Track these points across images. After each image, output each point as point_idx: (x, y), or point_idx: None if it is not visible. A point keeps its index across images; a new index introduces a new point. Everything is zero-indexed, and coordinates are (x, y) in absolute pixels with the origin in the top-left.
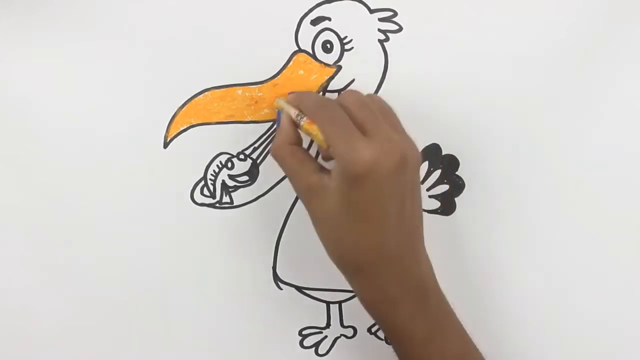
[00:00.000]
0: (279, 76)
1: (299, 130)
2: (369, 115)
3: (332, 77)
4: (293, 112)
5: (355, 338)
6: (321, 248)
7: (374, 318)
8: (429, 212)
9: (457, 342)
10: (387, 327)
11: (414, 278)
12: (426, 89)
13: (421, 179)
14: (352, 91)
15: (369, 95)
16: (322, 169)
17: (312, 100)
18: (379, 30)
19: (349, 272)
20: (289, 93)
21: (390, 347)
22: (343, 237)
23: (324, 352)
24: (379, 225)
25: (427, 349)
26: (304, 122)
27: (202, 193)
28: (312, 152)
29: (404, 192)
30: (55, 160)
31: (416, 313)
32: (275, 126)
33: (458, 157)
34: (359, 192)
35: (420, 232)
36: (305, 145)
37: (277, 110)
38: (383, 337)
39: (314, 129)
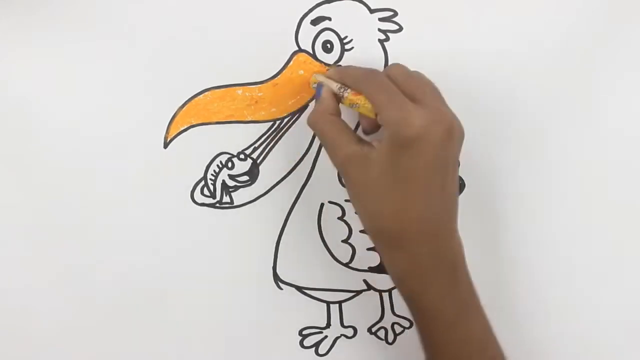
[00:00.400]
0: (279, 76)
1: (341, 105)
2: (418, 86)
3: None
4: (335, 86)
5: (355, 338)
6: (321, 248)
7: (402, 295)
8: None
9: (480, 326)
10: (416, 305)
11: (448, 254)
12: None
13: None
14: (398, 64)
15: (415, 72)
16: (361, 139)
17: (358, 72)
18: (379, 30)
19: (385, 243)
20: (329, 68)
21: (391, 347)
22: (384, 206)
23: (324, 352)
24: (423, 194)
25: (452, 332)
26: (348, 93)
27: (202, 193)
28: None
29: (448, 163)
30: (55, 160)
31: (446, 292)
32: (313, 99)
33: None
34: (407, 158)
35: (456, 210)
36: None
37: (314, 86)
38: (383, 337)
39: (361, 99)
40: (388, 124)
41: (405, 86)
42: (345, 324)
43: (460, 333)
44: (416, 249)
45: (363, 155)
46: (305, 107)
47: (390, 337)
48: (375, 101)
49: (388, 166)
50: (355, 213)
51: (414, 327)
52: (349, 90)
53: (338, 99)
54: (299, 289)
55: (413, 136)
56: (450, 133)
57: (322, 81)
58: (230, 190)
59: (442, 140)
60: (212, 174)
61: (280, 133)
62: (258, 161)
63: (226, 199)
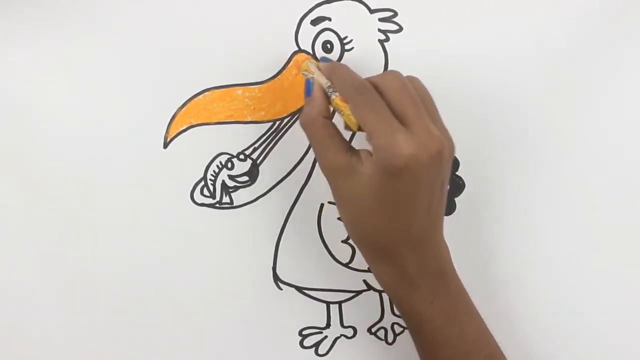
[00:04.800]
0: (279, 76)
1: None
2: (410, 104)
3: None
4: (324, 83)
5: (355, 338)
6: (321, 248)
7: (393, 301)
8: None
9: (474, 325)
10: (406, 310)
11: (434, 262)
12: None
13: None
14: (393, 72)
15: (409, 78)
16: (351, 148)
17: (348, 79)
18: (379, 30)
19: (370, 254)
20: (321, 59)
21: (391, 347)
22: (367, 219)
23: (324, 352)
24: (407, 213)
25: (445, 333)
26: (335, 96)
27: (202, 193)
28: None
29: (435, 184)
30: (55, 160)
31: (435, 296)
32: (305, 96)
33: (458, 157)
34: (393, 184)
35: (442, 218)
36: None
37: (305, 77)
38: (383, 337)
39: (347, 108)
40: (376, 150)
41: (396, 104)
42: (345, 324)
43: (452, 335)
44: (401, 260)
45: (351, 167)
46: None
47: (390, 337)
48: (363, 122)
49: (374, 187)
50: (339, 219)
51: None
52: (337, 93)
53: (326, 96)
54: (299, 289)
55: (401, 166)
56: (440, 157)
57: (314, 74)
58: (230, 190)
59: (430, 167)
60: (211, 174)
61: (280, 133)
62: (258, 161)
63: (226, 199)
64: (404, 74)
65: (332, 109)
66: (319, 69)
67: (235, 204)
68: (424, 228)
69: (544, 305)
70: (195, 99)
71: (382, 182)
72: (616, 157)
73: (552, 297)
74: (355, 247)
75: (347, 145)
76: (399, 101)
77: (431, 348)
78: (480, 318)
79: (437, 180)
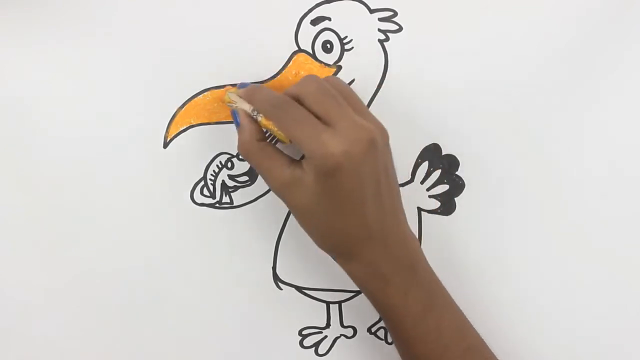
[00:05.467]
0: (279, 76)
1: None
2: (330, 103)
3: None
4: (248, 108)
5: (355, 338)
6: None
7: (367, 297)
8: (429, 212)
9: (452, 317)
10: (381, 305)
11: (402, 254)
12: (426, 89)
13: (421, 179)
14: (310, 77)
15: (326, 79)
16: (292, 161)
17: (266, 99)
18: (379, 30)
19: (338, 256)
20: (239, 86)
21: (391, 347)
22: (325, 225)
23: (324, 352)
24: (357, 209)
25: (423, 325)
26: (260, 117)
27: (202, 193)
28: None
29: (378, 173)
30: (55, 160)
31: (408, 288)
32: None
33: (458, 157)
34: (333, 183)
35: (401, 208)
36: None
37: (230, 107)
38: (383, 337)
39: (273, 126)
40: (308, 157)
41: (317, 106)
42: (345, 324)
43: (429, 327)
44: (369, 257)
45: (295, 179)
46: None
47: (390, 337)
48: (289, 135)
49: (319, 191)
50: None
51: None
52: (261, 114)
53: (254, 120)
54: (299, 289)
55: (335, 165)
56: (372, 146)
57: (236, 102)
58: (230, 190)
59: (365, 157)
60: (211, 174)
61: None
62: None
63: (226, 199)
64: (404, 74)
65: (264, 129)
66: (240, 97)
67: (235, 204)
68: (381, 220)
69: (544, 304)
70: (195, 99)
71: (323, 185)
72: (618, 157)
73: (553, 296)
74: (325, 250)
75: (289, 160)
76: (319, 103)
77: (410, 342)
78: (458, 310)
79: (378, 169)
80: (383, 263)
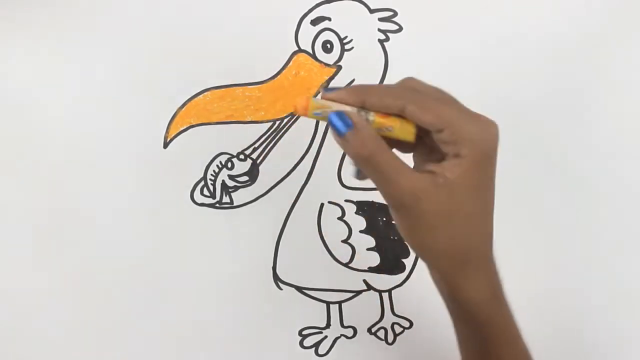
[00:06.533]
0: (279, 76)
1: None
2: (442, 92)
3: (332, 77)
4: (351, 109)
5: (355, 338)
6: (321, 248)
7: (479, 322)
8: None
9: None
10: (490, 328)
11: (499, 274)
12: None
13: None
14: (410, 78)
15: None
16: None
17: (387, 88)
18: (379, 30)
19: (453, 265)
20: (325, 91)
21: (391, 347)
22: (466, 223)
23: (324, 352)
24: (492, 201)
25: (515, 347)
26: (373, 117)
27: (202, 193)
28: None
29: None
30: (55, 160)
31: (510, 311)
32: (329, 129)
33: None
34: (488, 173)
35: None
36: None
37: (317, 115)
38: (383, 337)
39: (395, 122)
40: (468, 139)
41: (435, 94)
42: (345, 324)
43: (520, 346)
44: (490, 268)
45: (433, 181)
46: None
47: (390, 338)
48: (439, 116)
49: (473, 185)
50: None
51: (413, 328)
52: (372, 113)
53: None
54: (299, 289)
55: (495, 148)
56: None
57: (329, 107)
58: (230, 190)
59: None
60: (212, 174)
61: (280, 133)
62: (258, 161)
63: (226, 199)
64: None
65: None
66: (335, 100)
67: (235, 204)
68: (491, 235)
69: (545, 304)
70: (195, 99)
71: (482, 172)
72: (618, 156)
73: (553, 296)
74: (442, 267)
75: (410, 167)
76: (433, 92)
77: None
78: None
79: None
80: (497, 278)
